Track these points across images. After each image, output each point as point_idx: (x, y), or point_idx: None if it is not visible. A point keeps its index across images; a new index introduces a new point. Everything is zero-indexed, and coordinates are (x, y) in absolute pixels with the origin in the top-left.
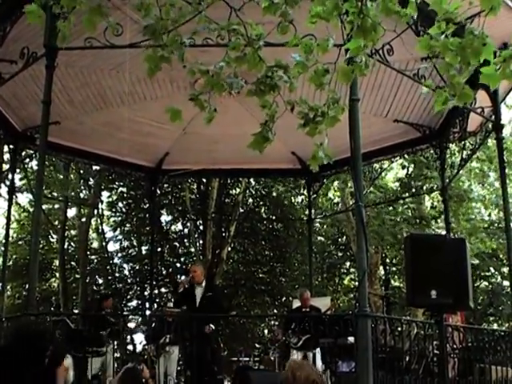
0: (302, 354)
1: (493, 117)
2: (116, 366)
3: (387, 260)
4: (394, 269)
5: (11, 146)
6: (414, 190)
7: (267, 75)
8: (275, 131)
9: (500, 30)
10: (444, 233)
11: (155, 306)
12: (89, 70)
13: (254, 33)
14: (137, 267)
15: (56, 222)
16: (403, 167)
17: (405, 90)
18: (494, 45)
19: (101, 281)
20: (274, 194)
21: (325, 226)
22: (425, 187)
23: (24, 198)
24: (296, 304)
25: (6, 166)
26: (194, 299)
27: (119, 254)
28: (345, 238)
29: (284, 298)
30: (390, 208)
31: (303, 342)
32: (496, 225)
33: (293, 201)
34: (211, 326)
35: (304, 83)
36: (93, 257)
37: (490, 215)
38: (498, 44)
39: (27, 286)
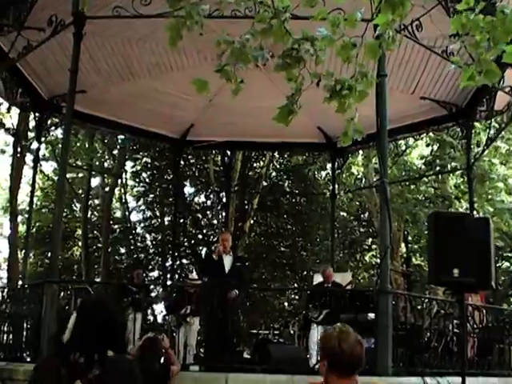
0: (322, 329)
1: None
2: (137, 335)
3: (409, 238)
4: (416, 247)
5: (37, 114)
6: (437, 169)
7: (293, 47)
8: (301, 104)
9: None
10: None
11: (176, 276)
12: (116, 40)
13: (280, 5)
14: (159, 238)
15: (80, 191)
16: (427, 145)
17: (432, 66)
18: None
19: (123, 250)
20: (298, 168)
21: (348, 202)
22: (448, 166)
23: (48, 167)
24: (318, 279)
25: (31, 135)
26: (223, 267)
27: (142, 224)
28: (367, 214)
29: (305, 273)
30: (413, 186)
31: (324, 316)
32: None
33: (316, 176)
34: (236, 291)
35: (330, 57)
36: (115, 226)
37: None
38: None
39: (50, 254)
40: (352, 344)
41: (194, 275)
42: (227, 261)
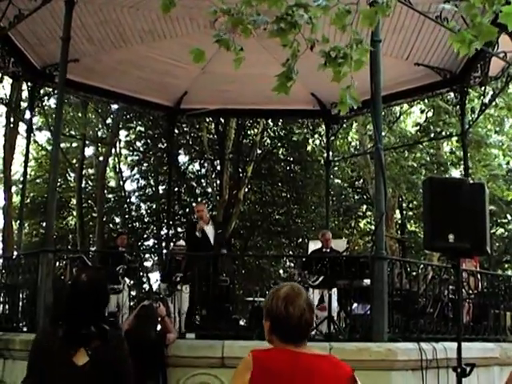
0: (319, 293)
1: None
2: (132, 303)
3: (404, 204)
4: (411, 213)
5: (29, 84)
6: (432, 135)
7: (287, 13)
8: (297, 70)
9: None
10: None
11: (171, 245)
12: (108, 7)
13: None
14: (154, 206)
15: (74, 161)
16: (422, 112)
17: (427, 32)
18: None
19: (117, 220)
20: (292, 135)
21: (343, 169)
22: (443, 133)
23: (42, 136)
24: (312, 245)
25: (24, 104)
26: (208, 239)
27: (136, 193)
28: (362, 181)
29: (300, 240)
30: (408, 153)
31: (321, 280)
32: None
33: (311, 143)
34: (224, 250)
35: (325, 23)
36: (110, 196)
37: (508, 163)
38: None
39: (45, 224)
40: (301, 308)
41: (182, 242)
42: (210, 231)
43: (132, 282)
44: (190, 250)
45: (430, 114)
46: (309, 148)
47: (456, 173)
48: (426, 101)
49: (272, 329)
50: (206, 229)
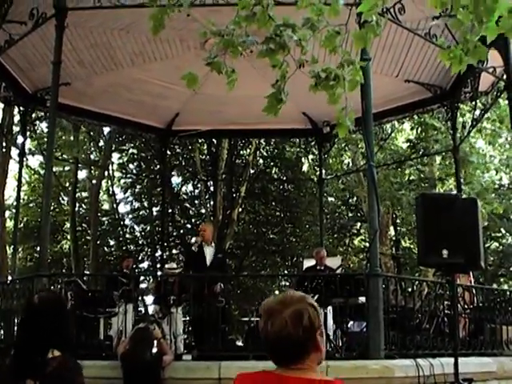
0: None
1: (504, 76)
2: (128, 326)
3: (397, 221)
4: (405, 229)
5: (21, 108)
6: (423, 152)
7: (276, 33)
8: (287, 91)
9: None
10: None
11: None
12: (98, 31)
13: None
14: (148, 228)
15: (67, 184)
16: (412, 129)
17: (416, 49)
18: (507, 2)
19: (112, 242)
20: (285, 154)
21: (336, 187)
22: (434, 149)
23: (35, 161)
24: (307, 264)
25: (16, 129)
26: (204, 259)
27: (130, 216)
28: (355, 198)
29: (295, 259)
30: (399, 170)
31: (316, 299)
32: (506, 186)
33: (303, 161)
34: (220, 284)
35: (315, 45)
36: (104, 218)
37: (500, 179)
38: None
39: (39, 248)
40: (281, 323)
41: (173, 265)
42: (209, 252)
43: (128, 304)
44: (185, 265)
45: (419, 130)
46: (302, 167)
47: (446, 188)
48: (416, 118)
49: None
50: (206, 248)
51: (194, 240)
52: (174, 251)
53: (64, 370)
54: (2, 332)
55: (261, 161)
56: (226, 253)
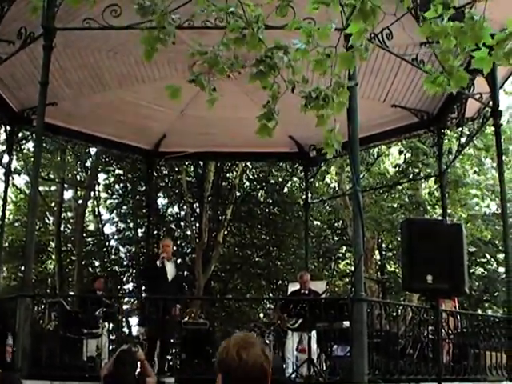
0: (298, 336)
1: (491, 103)
2: (111, 348)
3: (383, 245)
4: (390, 254)
5: (8, 128)
6: (411, 177)
7: (267, 55)
8: (278, 111)
9: (501, 15)
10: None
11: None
12: (86, 51)
13: (252, 14)
14: (133, 250)
15: (52, 204)
16: (400, 153)
17: (403, 74)
18: (491, 29)
19: (97, 263)
20: (271, 177)
21: (322, 211)
22: (422, 174)
23: (20, 180)
24: (292, 288)
25: (2, 148)
26: (166, 274)
27: (115, 237)
28: (341, 222)
29: (280, 282)
30: (387, 194)
31: (300, 323)
32: (492, 212)
33: (290, 185)
34: (178, 306)
35: (305, 65)
36: (89, 239)
37: (488, 206)
38: (498, 29)
39: (23, 268)
40: (255, 358)
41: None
42: (170, 268)
43: (111, 326)
44: (142, 278)
45: (408, 155)
46: (287, 190)
47: (435, 213)
48: (404, 142)
49: (224, 382)
50: (167, 264)
51: (160, 255)
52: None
53: None
54: None
55: (247, 183)
56: (182, 272)
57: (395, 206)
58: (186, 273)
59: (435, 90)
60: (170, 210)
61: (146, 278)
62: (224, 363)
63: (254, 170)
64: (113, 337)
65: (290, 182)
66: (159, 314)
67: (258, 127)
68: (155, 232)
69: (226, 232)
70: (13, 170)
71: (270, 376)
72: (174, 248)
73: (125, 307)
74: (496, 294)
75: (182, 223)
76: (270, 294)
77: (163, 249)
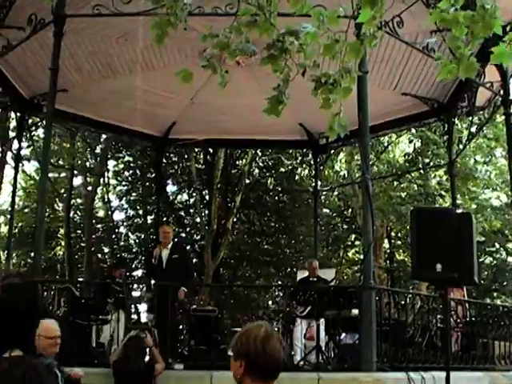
0: (306, 323)
1: (501, 92)
2: (121, 334)
3: (392, 234)
4: (399, 242)
5: (18, 114)
6: (420, 166)
7: (278, 39)
8: (288, 94)
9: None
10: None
11: None
12: (97, 38)
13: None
14: (142, 236)
15: (62, 191)
16: (410, 142)
17: (414, 63)
18: (501, 18)
19: (106, 250)
20: (281, 165)
21: (331, 199)
22: (431, 164)
23: (30, 166)
24: (301, 275)
25: (12, 134)
26: (161, 262)
27: (125, 223)
28: (350, 210)
29: (288, 269)
30: (397, 184)
31: (308, 310)
32: (502, 202)
33: (299, 173)
34: (183, 289)
35: (315, 50)
36: (98, 226)
37: (498, 197)
38: (509, 18)
39: (33, 254)
40: (276, 348)
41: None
42: (165, 255)
43: (121, 312)
44: (148, 275)
45: (418, 144)
46: (297, 178)
47: (445, 203)
48: (414, 131)
49: (247, 369)
50: (162, 252)
51: (155, 249)
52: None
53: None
54: None
55: (256, 171)
56: (183, 250)
57: (404, 196)
58: (192, 258)
59: (446, 77)
60: (179, 197)
61: (149, 273)
62: (249, 353)
63: (263, 158)
64: (122, 323)
65: (299, 170)
66: (163, 300)
67: (266, 106)
68: (164, 219)
69: (235, 219)
70: (23, 156)
71: None
72: (183, 235)
73: (134, 294)
74: (505, 283)
75: (192, 210)
76: (279, 282)
77: (163, 235)
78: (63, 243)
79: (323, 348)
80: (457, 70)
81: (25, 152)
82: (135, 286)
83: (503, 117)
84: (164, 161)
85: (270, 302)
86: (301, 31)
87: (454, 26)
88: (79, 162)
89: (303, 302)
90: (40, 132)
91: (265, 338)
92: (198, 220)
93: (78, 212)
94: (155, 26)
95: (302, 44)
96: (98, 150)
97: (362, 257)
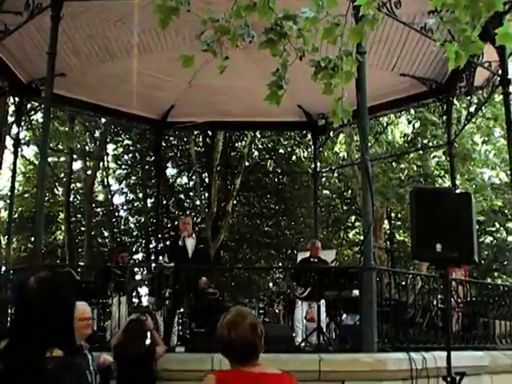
0: (307, 305)
1: (500, 71)
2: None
3: (392, 214)
4: (399, 223)
5: (16, 99)
6: (419, 147)
7: (277, 24)
8: (288, 79)
9: None
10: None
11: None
12: (94, 22)
13: None
14: (142, 220)
15: (61, 175)
16: (409, 123)
17: (412, 43)
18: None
19: (106, 233)
20: (280, 147)
21: (331, 180)
22: (430, 144)
23: (29, 151)
24: (301, 256)
25: (11, 119)
26: (186, 251)
27: (124, 207)
28: (350, 192)
29: (289, 251)
30: (396, 165)
31: (309, 292)
32: (502, 182)
33: (299, 154)
34: (204, 278)
35: (314, 34)
36: (98, 209)
37: (497, 175)
38: None
39: (33, 239)
40: (242, 332)
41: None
42: (190, 244)
43: (122, 297)
44: (170, 261)
45: (417, 125)
46: (296, 159)
47: (444, 184)
48: (413, 112)
49: (222, 352)
50: (187, 241)
51: (184, 233)
52: (168, 243)
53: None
54: None
55: (256, 153)
56: (206, 242)
57: (403, 177)
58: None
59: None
60: (178, 180)
61: (172, 259)
62: (219, 339)
63: (262, 140)
64: (124, 308)
65: (298, 152)
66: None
67: (266, 94)
68: (164, 202)
69: (235, 202)
70: (22, 141)
71: (279, 344)
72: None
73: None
74: (505, 263)
75: (191, 193)
76: (279, 263)
77: (183, 226)
78: (63, 227)
79: (324, 329)
80: (464, 56)
81: (24, 136)
82: (136, 269)
83: (501, 96)
84: (163, 144)
85: (271, 284)
86: (299, 16)
87: (456, 7)
88: (78, 146)
89: (304, 283)
90: (39, 116)
91: (232, 323)
92: (197, 203)
93: (77, 196)
94: (158, 10)
95: (301, 29)
96: (97, 134)
97: (362, 238)
